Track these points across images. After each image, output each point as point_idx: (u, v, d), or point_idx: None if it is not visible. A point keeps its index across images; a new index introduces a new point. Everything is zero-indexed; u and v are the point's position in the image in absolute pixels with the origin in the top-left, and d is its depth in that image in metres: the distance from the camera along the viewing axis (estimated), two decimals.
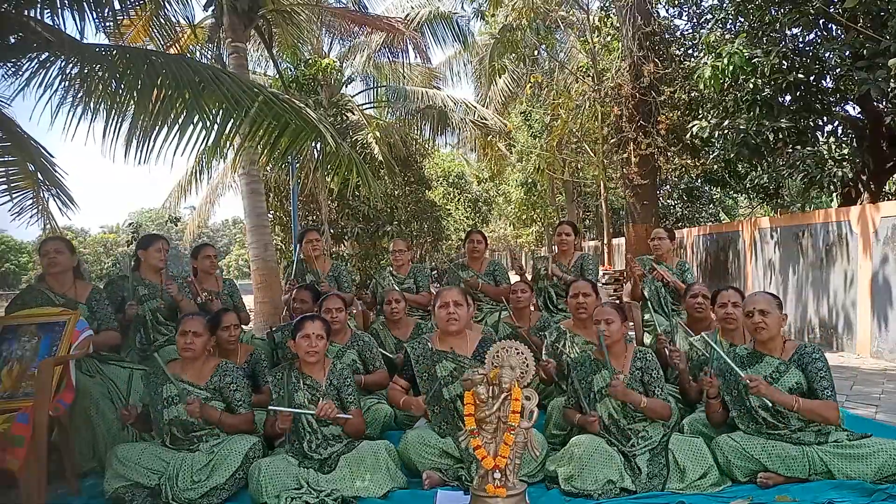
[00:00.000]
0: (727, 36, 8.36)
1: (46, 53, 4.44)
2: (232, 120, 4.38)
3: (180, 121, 4.29)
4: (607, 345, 3.46)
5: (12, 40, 4.55)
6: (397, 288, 5.62)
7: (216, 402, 3.45)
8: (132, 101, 4.30)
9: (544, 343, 4.32)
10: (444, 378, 3.49)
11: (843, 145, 9.70)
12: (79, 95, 4.37)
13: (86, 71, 4.35)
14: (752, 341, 3.38)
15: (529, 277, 5.99)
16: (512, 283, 5.51)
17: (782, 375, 3.22)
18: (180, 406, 3.37)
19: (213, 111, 4.35)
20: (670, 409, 3.54)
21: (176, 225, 10.82)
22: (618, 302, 6.39)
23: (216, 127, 4.35)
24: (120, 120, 4.35)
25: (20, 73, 4.51)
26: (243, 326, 4.58)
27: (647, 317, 5.41)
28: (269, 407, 3.42)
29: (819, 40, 7.87)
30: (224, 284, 5.21)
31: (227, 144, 4.60)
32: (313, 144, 5.03)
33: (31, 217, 5.43)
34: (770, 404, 3.21)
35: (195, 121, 4.27)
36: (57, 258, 3.93)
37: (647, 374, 3.46)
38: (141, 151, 4.32)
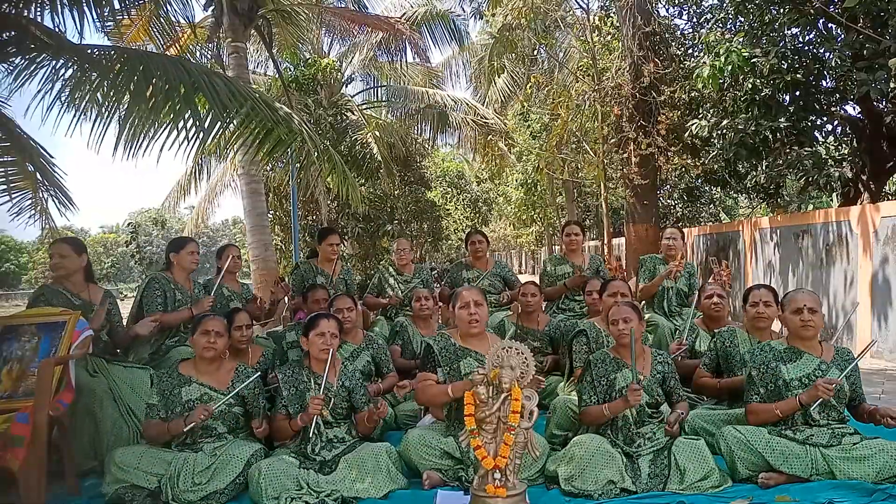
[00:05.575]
0: (727, 35, 8.35)
1: (44, 54, 4.44)
2: (220, 122, 4.40)
3: (171, 117, 4.30)
4: (626, 343, 3.47)
5: (10, 38, 4.54)
6: (402, 286, 5.66)
7: (238, 409, 3.46)
8: (126, 102, 4.30)
9: (576, 342, 4.32)
10: (468, 376, 3.47)
11: (843, 145, 9.69)
12: (75, 96, 4.37)
13: (81, 72, 4.35)
14: (787, 337, 3.42)
15: (538, 279, 6.00)
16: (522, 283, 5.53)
17: (825, 374, 3.27)
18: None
19: (203, 113, 4.37)
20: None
21: (163, 228, 10.80)
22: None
23: (205, 128, 4.37)
24: (115, 119, 4.34)
25: (18, 73, 4.50)
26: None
27: (647, 316, 5.43)
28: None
29: (819, 40, 7.86)
30: (242, 288, 5.17)
31: (215, 142, 4.60)
32: (308, 146, 5.04)
33: (30, 217, 5.45)
34: (810, 405, 3.20)
35: (186, 116, 4.29)
36: (61, 262, 3.93)
37: (673, 380, 3.51)
38: (132, 150, 4.31)
